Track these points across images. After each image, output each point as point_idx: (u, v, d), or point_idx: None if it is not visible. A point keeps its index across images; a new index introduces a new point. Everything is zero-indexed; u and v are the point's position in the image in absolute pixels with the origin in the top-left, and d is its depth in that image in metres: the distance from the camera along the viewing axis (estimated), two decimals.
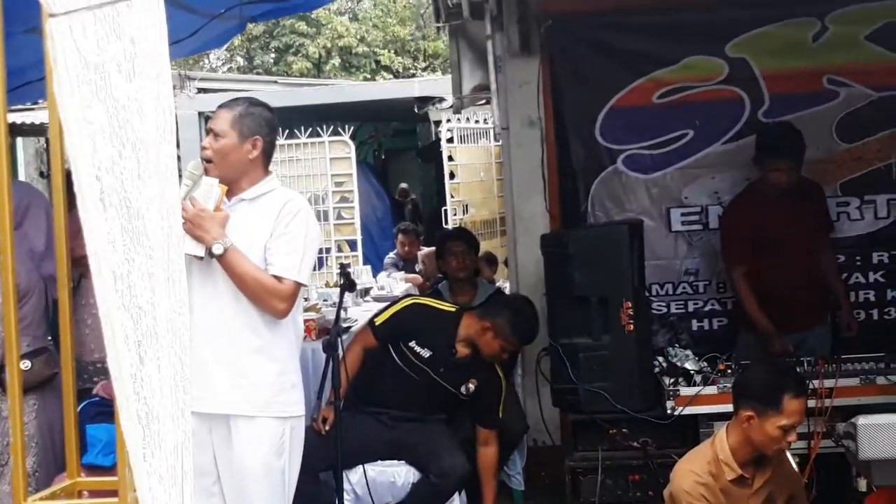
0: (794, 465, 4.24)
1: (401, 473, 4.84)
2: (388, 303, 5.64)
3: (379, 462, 4.86)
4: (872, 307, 6.02)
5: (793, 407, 3.86)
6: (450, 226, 10.44)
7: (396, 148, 16.56)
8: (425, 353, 4.92)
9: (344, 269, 4.57)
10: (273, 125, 3.87)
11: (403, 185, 14.78)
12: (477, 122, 11.17)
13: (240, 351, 3.75)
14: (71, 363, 2.53)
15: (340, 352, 4.30)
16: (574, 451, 5.08)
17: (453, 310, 5.14)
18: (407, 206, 14.36)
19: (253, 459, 3.76)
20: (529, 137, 6.06)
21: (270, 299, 3.72)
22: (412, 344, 4.93)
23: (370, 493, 4.70)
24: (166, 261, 2.09)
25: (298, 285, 3.79)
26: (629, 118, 5.98)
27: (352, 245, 11.61)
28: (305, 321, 5.64)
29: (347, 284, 4.55)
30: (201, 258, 3.67)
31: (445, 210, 10.94)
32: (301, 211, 3.82)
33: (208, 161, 3.74)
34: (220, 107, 3.84)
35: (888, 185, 5.94)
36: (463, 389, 4.99)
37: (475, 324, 4.98)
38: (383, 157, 16.69)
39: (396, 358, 4.92)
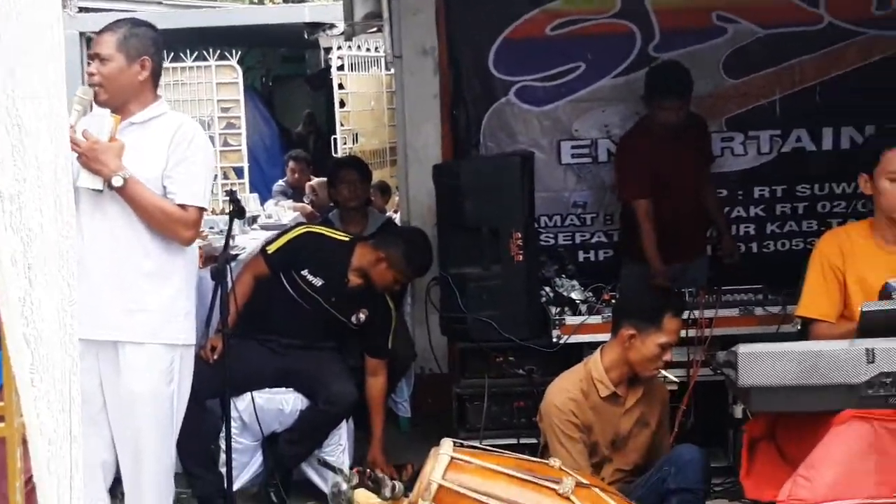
0: (667, 390, 4.39)
1: (289, 401, 4.83)
2: (278, 231, 5.59)
3: (267, 389, 4.85)
4: (752, 241, 6.20)
5: (672, 325, 4.04)
6: (339, 155, 10.36)
7: (285, 75, 16.27)
8: (317, 282, 4.90)
9: (233, 195, 4.51)
10: (159, 44, 3.79)
11: (308, 111, 14.29)
12: (368, 49, 11.04)
13: (131, 276, 3.70)
14: None
15: (229, 280, 4.25)
16: (461, 379, 5.16)
17: (347, 239, 5.12)
18: (311, 136, 13.92)
19: (141, 386, 3.73)
20: (423, 66, 6.03)
21: (176, 227, 3.71)
22: (304, 272, 4.90)
23: (258, 419, 4.69)
24: (53, 181, 2.03)
25: (202, 211, 3.80)
26: (522, 50, 5.99)
27: (238, 172, 11.45)
28: None
29: (237, 211, 4.48)
30: (100, 191, 3.61)
31: (335, 139, 10.84)
32: (196, 136, 3.77)
33: (98, 86, 3.63)
34: (101, 31, 3.74)
35: (772, 122, 6.09)
36: (353, 319, 4.98)
37: (369, 254, 4.97)
38: (271, 83, 16.38)
39: (288, 286, 4.89)
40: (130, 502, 3.88)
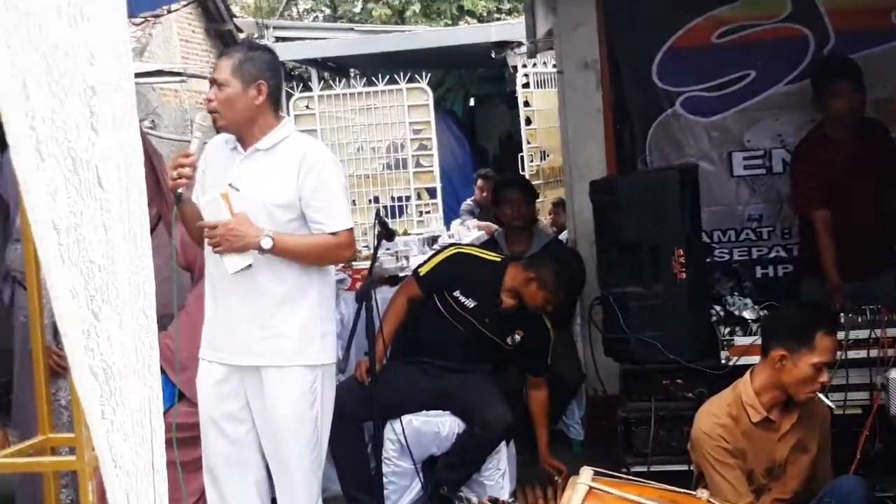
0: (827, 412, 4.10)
1: (445, 424, 4.80)
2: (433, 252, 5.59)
3: (423, 412, 4.83)
4: None
5: (825, 344, 3.77)
6: (527, 173, 10.31)
7: (484, 94, 16.38)
8: (470, 304, 4.86)
9: (379, 217, 4.52)
10: (275, 67, 3.84)
11: (508, 131, 14.20)
12: (554, 66, 10.95)
13: (266, 302, 3.77)
14: (40, 319, 2.53)
15: (374, 302, 4.27)
16: (627, 402, 5.00)
17: (499, 259, 5.07)
18: (509, 156, 13.79)
19: (285, 409, 3.80)
20: (584, 81, 5.92)
21: (334, 255, 3.86)
22: (457, 294, 4.87)
23: (406, 443, 4.67)
24: (125, 214, 2.05)
25: (352, 230, 3.87)
26: (688, 59, 5.81)
27: (431, 193, 11.55)
28: (354, 271, 5.63)
29: (385, 233, 4.51)
30: (251, 266, 3.68)
31: (522, 156, 10.80)
32: (323, 158, 3.83)
33: (214, 112, 3.72)
34: (219, 56, 3.82)
35: None
36: (509, 340, 4.92)
37: (520, 274, 4.90)
38: (471, 104, 16.53)
39: (441, 308, 4.87)
40: None
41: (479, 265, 4.98)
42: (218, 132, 3.90)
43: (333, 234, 3.76)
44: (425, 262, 5.08)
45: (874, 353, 4.45)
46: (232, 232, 3.62)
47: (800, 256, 5.69)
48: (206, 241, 3.70)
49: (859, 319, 4.58)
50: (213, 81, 3.78)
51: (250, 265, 3.67)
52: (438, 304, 4.86)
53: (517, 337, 4.93)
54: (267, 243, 3.62)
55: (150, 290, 2.12)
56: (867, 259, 5.23)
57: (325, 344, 3.88)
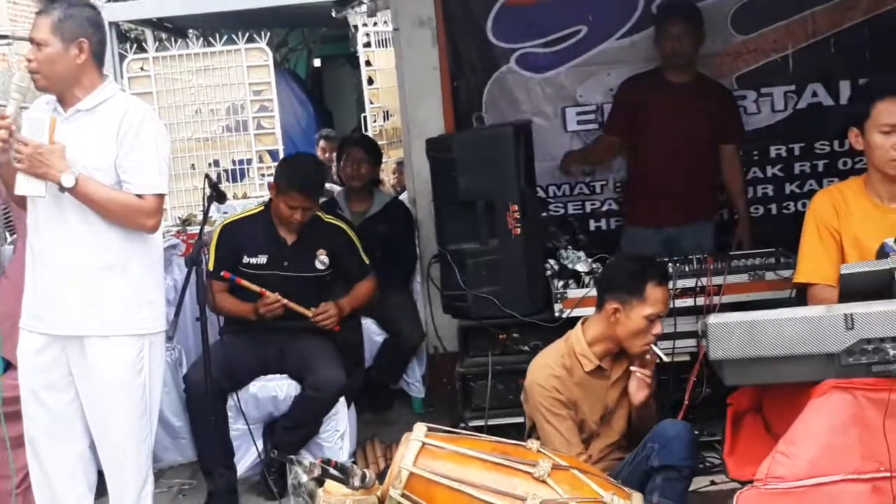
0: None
1: (282, 387, 4.75)
2: None
3: (261, 377, 4.77)
4: (771, 202, 5.97)
5: (656, 295, 3.85)
6: (370, 134, 10.24)
7: (328, 55, 16.16)
8: (262, 260, 4.80)
9: (210, 180, 4.41)
10: (98, 23, 3.69)
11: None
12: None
13: (89, 269, 3.65)
14: None
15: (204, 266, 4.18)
16: (465, 358, 5.03)
17: (262, 208, 4.99)
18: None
19: (110, 379, 3.69)
20: (421, 38, 5.86)
21: (137, 217, 3.66)
22: (246, 260, 4.80)
23: (240, 406, 4.63)
24: None
25: (161, 197, 3.71)
26: (521, 15, 5.81)
27: (273, 155, 11.36)
28: (189, 236, 5.50)
29: (216, 196, 4.41)
30: (43, 196, 3.56)
31: (364, 116, 10.72)
32: (144, 120, 3.68)
33: (34, 73, 3.56)
34: (37, 14, 3.64)
35: (784, 77, 5.83)
36: (318, 265, 4.88)
37: (272, 200, 4.87)
38: (316, 64, 16.28)
39: (247, 281, 4.77)
40: (113, 494, 3.85)
41: (247, 223, 4.89)
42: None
43: (140, 196, 3.63)
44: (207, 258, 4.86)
45: (700, 301, 4.60)
46: (40, 155, 3.48)
47: (621, 205, 5.89)
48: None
49: (686, 269, 4.71)
50: (31, 40, 3.60)
51: (43, 197, 3.54)
52: (243, 279, 4.75)
53: (323, 258, 4.89)
54: (68, 181, 3.49)
55: None
56: (686, 206, 5.41)
57: (152, 311, 3.77)
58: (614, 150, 5.65)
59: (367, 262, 5.05)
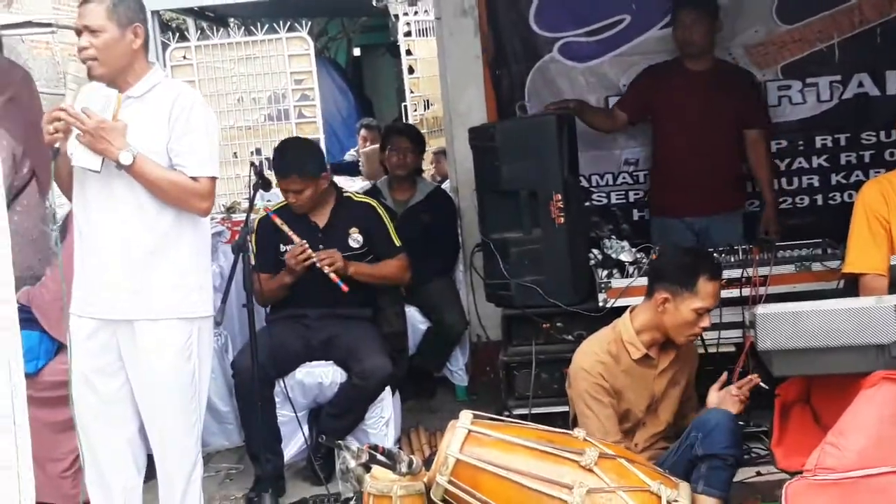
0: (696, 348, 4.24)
1: (328, 374, 4.78)
2: None
3: (307, 364, 4.81)
4: (816, 193, 5.91)
5: (708, 289, 3.84)
6: (410, 122, 10.26)
7: (368, 44, 16.19)
8: None
9: (256, 167, 4.45)
10: (144, 8, 3.73)
11: None
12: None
13: (138, 254, 3.69)
14: None
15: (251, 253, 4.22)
16: (508, 346, 5.04)
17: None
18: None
19: (160, 363, 3.73)
20: (463, 27, 5.88)
21: (191, 199, 3.70)
22: (283, 248, 4.82)
23: (287, 393, 4.66)
24: None
25: (213, 180, 3.76)
26: (564, 4, 5.79)
27: None
28: (234, 223, 5.54)
29: (262, 184, 4.45)
30: (98, 171, 3.59)
31: (405, 106, 10.74)
32: (195, 104, 3.73)
33: (91, 60, 3.59)
34: (85, 1, 3.65)
35: (830, 67, 5.77)
36: (352, 243, 4.89)
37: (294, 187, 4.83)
38: (356, 53, 16.32)
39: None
40: (162, 477, 3.90)
41: (281, 213, 4.86)
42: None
43: (194, 178, 3.67)
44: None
45: (746, 291, 4.59)
46: (103, 130, 3.51)
47: (648, 196, 5.88)
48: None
49: (731, 259, 4.70)
50: (84, 28, 3.62)
51: (97, 171, 3.57)
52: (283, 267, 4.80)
53: (356, 236, 4.91)
54: (126, 158, 3.53)
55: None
56: (712, 197, 5.41)
57: (202, 295, 3.82)
58: (616, 124, 5.62)
59: (399, 243, 5.02)
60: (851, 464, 2.97)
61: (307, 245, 4.69)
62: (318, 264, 4.68)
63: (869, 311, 3.01)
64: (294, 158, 4.85)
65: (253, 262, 4.39)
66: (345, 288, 4.67)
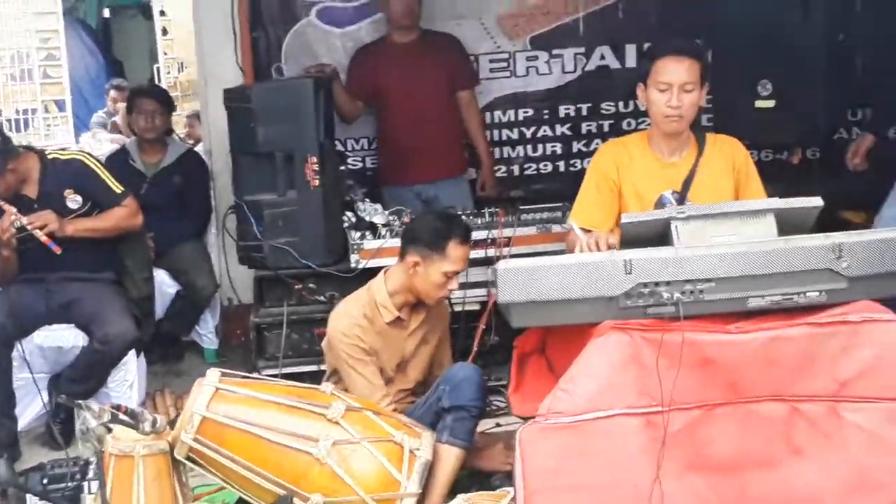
0: (447, 309, 4.35)
1: (69, 338, 4.64)
2: None
3: (46, 327, 4.65)
4: (559, 159, 6.18)
5: (458, 253, 3.94)
6: (164, 85, 9.99)
7: (119, 4, 15.58)
8: (17, 223, 4.51)
9: None
10: None
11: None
12: None
13: None
14: None
15: None
16: (260, 308, 5.03)
17: None
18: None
19: None
20: None
21: None
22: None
23: (24, 356, 4.49)
24: None
25: None
26: None
27: (60, 105, 10.94)
28: None
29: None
30: None
31: (157, 68, 10.44)
32: None
33: None
34: None
35: (575, 40, 6.03)
36: (70, 205, 4.68)
37: None
38: (105, 15, 15.66)
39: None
40: None
41: None
42: None
43: None
44: None
45: (491, 252, 4.74)
46: None
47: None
48: None
49: (479, 221, 4.85)
50: None
51: None
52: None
53: (74, 196, 4.69)
54: None
55: None
56: (435, 163, 5.59)
57: None
58: (357, 110, 5.69)
59: (120, 189, 4.77)
60: (581, 407, 3.12)
61: (16, 212, 4.45)
62: (29, 228, 4.46)
63: (600, 265, 3.16)
64: None
65: None
66: (56, 249, 4.47)
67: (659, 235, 3.28)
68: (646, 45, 5.92)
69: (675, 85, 3.65)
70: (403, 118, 5.51)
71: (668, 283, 3.15)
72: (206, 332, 5.81)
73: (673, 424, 3.11)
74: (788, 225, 3.26)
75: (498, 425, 4.23)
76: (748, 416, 3.15)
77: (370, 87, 5.56)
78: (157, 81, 10.24)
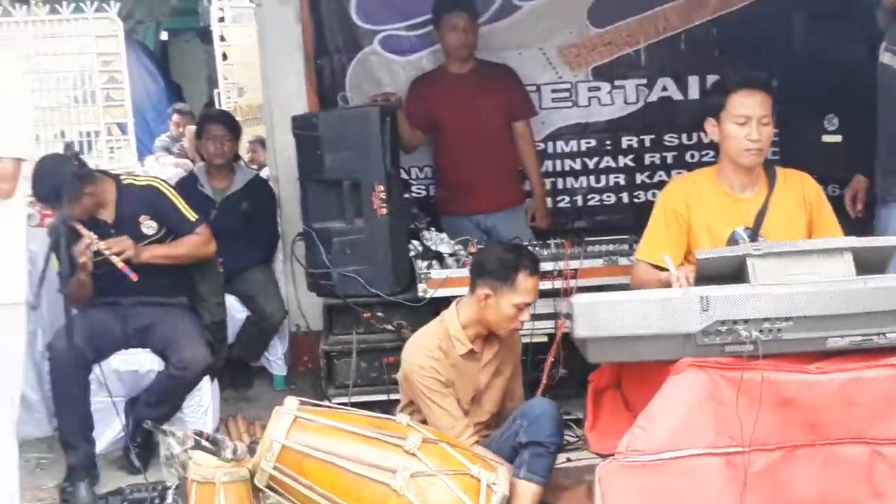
0: (519, 339, 4.36)
1: (144, 362, 4.72)
2: None
3: (122, 351, 4.73)
4: (622, 190, 6.20)
5: (527, 284, 3.95)
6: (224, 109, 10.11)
7: (177, 28, 15.80)
8: (94, 247, 4.60)
9: (71, 148, 4.33)
10: None
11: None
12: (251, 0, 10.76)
13: None
14: None
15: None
16: (329, 335, 5.09)
17: None
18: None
19: None
20: (284, 16, 5.85)
21: None
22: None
23: (104, 380, 4.57)
24: None
25: (18, 161, 3.65)
26: None
27: (122, 128, 11.10)
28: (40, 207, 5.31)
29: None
30: None
31: (217, 93, 10.58)
32: None
33: None
34: None
35: (637, 71, 6.07)
36: (145, 230, 4.76)
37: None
38: (163, 37, 15.88)
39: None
40: None
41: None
42: None
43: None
44: None
45: (558, 284, 4.78)
46: None
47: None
48: None
49: (545, 253, 4.89)
50: None
51: None
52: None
53: (148, 223, 4.78)
54: None
55: None
56: (491, 194, 5.60)
57: (9, 281, 3.70)
58: (418, 140, 5.74)
59: (195, 217, 4.86)
60: (660, 446, 3.14)
61: (95, 237, 4.53)
62: (106, 254, 4.54)
63: (676, 302, 3.19)
64: (36, 181, 4.53)
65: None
66: (133, 277, 4.53)
67: (734, 272, 3.30)
68: (708, 77, 5.96)
69: (753, 118, 3.67)
70: (459, 148, 5.54)
71: (745, 321, 3.16)
72: (275, 359, 5.88)
73: (753, 465, 3.13)
74: (866, 263, 3.27)
75: (569, 460, 4.23)
76: (829, 458, 3.16)
77: (426, 117, 5.61)
78: (217, 106, 10.36)
